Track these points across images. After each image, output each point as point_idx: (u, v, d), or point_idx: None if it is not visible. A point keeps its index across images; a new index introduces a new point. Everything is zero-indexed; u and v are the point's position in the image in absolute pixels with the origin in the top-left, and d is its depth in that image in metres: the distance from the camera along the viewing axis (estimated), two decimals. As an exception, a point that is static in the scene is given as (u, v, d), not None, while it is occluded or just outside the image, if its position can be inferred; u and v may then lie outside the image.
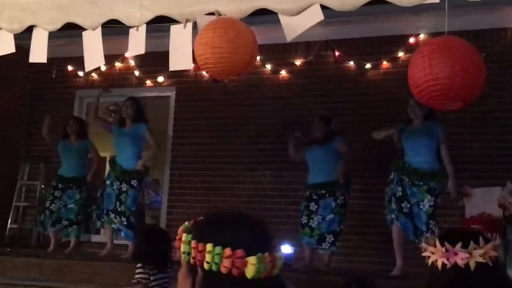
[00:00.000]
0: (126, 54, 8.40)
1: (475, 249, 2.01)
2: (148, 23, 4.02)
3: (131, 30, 4.06)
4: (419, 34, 7.59)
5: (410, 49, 7.60)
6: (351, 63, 7.89)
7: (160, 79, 8.74)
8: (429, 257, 2.10)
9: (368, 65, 7.81)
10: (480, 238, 2.03)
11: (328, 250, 6.74)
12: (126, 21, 3.93)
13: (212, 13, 3.76)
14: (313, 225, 6.72)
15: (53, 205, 7.67)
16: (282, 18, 3.78)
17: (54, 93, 9.17)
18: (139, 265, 4.93)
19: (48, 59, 5.84)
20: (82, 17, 4.06)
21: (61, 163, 7.94)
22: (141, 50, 4.04)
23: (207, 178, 8.27)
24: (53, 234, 7.73)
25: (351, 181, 6.94)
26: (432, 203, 6.16)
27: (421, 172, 6.23)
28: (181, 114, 8.67)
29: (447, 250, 2.02)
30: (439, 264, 2.04)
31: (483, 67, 3.26)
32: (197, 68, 8.27)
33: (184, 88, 8.67)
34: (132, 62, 8.83)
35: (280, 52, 7.93)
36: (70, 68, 9.08)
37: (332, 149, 6.91)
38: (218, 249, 1.46)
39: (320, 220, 6.75)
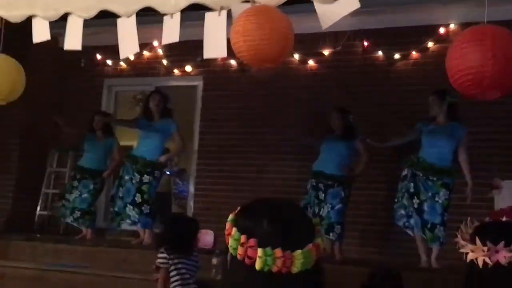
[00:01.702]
0: (160, 43, 8.41)
1: None
2: (182, 11, 4.01)
3: (165, 18, 4.06)
4: (449, 24, 7.50)
5: (440, 39, 7.55)
6: (380, 53, 7.83)
7: (188, 68, 8.74)
8: (467, 253, 2.06)
9: (397, 56, 7.74)
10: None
11: (336, 241, 6.69)
12: (160, 8, 3.94)
13: (247, 1, 3.75)
14: (322, 214, 6.70)
15: (71, 195, 7.78)
16: (318, 6, 3.75)
17: (82, 81, 9.22)
18: (161, 250, 4.99)
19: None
20: (117, 4, 4.07)
21: (82, 155, 8.08)
22: (176, 38, 4.04)
23: (234, 168, 8.28)
24: (83, 227, 7.87)
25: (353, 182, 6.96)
26: (447, 196, 6.16)
27: (436, 169, 6.24)
28: (209, 103, 8.68)
29: (489, 249, 1.99)
30: (480, 262, 2.00)
31: None
32: (225, 57, 8.35)
33: (211, 78, 8.68)
34: (160, 51, 8.85)
35: (308, 42, 7.88)
36: (98, 57, 9.13)
37: (351, 146, 6.91)
38: (237, 234, 1.47)
39: (329, 209, 6.72)
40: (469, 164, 6.26)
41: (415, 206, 6.24)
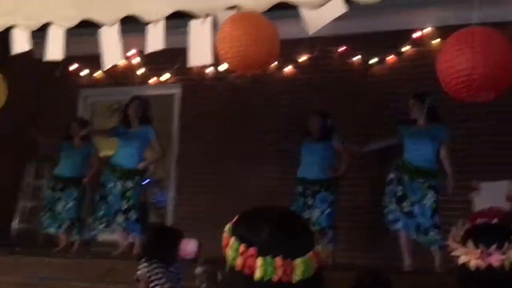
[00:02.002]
0: (137, 51, 8.43)
1: (509, 249, 1.98)
2: (167, 19, 4.00)
3: (149, 26, 4.04)
4: (424, 29, 7.57)
5: (415, 43, 7.63)
6: (357, 58, 7.87)
7: (165, 76, 8.70)
8: (459, 256, 2.07)
9: (373, 60, 7.79)
10: (514, 236, 2.01)
11: (328, 246, 6.70)
12: (144, 16, 3.92)
13: (232, 8, 3.74)
14: (313, 220, 6.70)
15: (56, 206, 7.67)
16: (304, 12, 3.76)
17: (58, 92, 9.14)
18: (141, 261, 4.96)
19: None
20: (99, 13, 4.03)
21: (59, 163, 7.94)
22: (160, 46, 4.03)
23: (214, 176, 8.25)
24: (63, 236, 7.74)
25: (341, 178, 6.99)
26: (435, 199, 6.20)
27: (421, 171, 6.29)
28: (187, 112, 8.65)
29: (481, 252, 1.99)
30: (472, 265, 2.00)
31: (511, 53, 3.19)
32: (202, 65, 8.33)
33: (189, 86, 8.65)
34: (136, 60, 8.80)
35: (285, 48, 7.83)
36: (74, 67, 9.05)
37: (329, 147, 6.96)
38: (235, 244, 1.44)
39: (319, 214, 6.74)
40: (450, 159, 6.33)
41: (405, 210, 6.25)
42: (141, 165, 7.34)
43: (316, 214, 6.73)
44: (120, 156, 7.38)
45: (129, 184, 7.21)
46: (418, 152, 6.35)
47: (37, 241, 8.44)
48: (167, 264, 4.98)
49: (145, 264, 4.94)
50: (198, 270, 5.77)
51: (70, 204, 7.69)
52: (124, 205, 7.16)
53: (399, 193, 6.29)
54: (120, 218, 7.17)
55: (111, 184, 7.28)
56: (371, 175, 7.40)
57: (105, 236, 7.97)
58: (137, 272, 4.93)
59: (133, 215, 7.17)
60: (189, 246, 6.77)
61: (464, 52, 3.09)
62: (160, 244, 5.06)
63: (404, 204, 6.26)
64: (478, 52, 3.04)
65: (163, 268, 4.94)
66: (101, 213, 7.31)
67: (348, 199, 7.40)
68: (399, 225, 6.31)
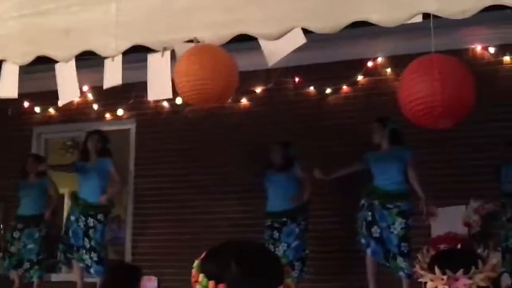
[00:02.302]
0: (90, 88, 8.37)
1: (475, 273, 1.98)
2: (124, 53, 3.96)
3: (106, 61, 3.99)
4: (377, 58, 7.69)
5: (368, 73, 7.73)
6: (311, 88, 7.94)
7: (120, 112, 8.63)
8: (426, 282, 2.07)
9: (328, 90, 7.86)
10: (479, 261, 2.01)
11: (297, 278, 6.69)
12: (101, 51, 3.86)
13: (191, 41, 3.72)
14: (279, 253, 6.66)
15: (12, 247, 7.51)
16: (263, 43, 3.76)
17: (10, 130, 8.98)
18: None
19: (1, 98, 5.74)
20: (54, 50, 3.96)
21: (19, 203, 7.80)
22: (118, 81, 3.97)
23: (172, 210, 8.17)
24: (17, 276, 7.53)
25: (310, 206, 6.97)
26: (403, 226, 6.23)
27: (391, 194, 6.32)
28: (142, 146, 8.58)
29: (448, 277, 1.99)
30: None
31: (470, 80, 3.23)
32: (157, 100, 8.29)
33: (144, 120, 8.60)
34: (90, 96, 8.72)
35: (240, 80, 7.87)
36: (26, 104, 8.92)
37: (292, 175, 6.97)
38: (204, 281, 1.41)
39: (285, 248, 6.73)
40: (418, 180, 6.42)
41: (376, 235, 6.29)
42: (103, 199, 7.20)
43: (282, 248, 6.71)
44: (83, 191, 7.28)
45: (91, 222, 7.08)
46: (384, 175, 6.43)
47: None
48: None
49: None
50: (159, 308, 5.68)
51: (30, 245, 7.52)
52: (88, 244, 7.02)
53: (369, 218, 6.32)
54: (84, 256, 7.01)
55: (74, 217, 7.17)
56: (337, 202, 7.42)
57: (62, 276, 7.81)
58: None
59: (94, 256, 7.02)
60: (149, 284, 6.68)
61: (423, 79, 3.12)
62: (119, 283, 4.96)
63: (373, 230, 6.30)
64: (436, 80, 3.07)
65: None
66: (61, 247, 7.17)
67: (314, 228, 7.39)
68: (368, 250, 6.34)
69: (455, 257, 2.10)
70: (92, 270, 7.07)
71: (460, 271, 1.99)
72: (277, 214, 6.87)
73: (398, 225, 6.23)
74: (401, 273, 6.24)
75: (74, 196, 7.34)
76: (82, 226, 7.07)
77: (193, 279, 1.45)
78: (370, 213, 6.33)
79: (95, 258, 6.99)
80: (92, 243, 7.02)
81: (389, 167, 6.41)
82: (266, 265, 1.47)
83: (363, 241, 6.36)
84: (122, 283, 4.92)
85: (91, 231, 7.04)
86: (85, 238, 7.03)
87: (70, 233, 7.12)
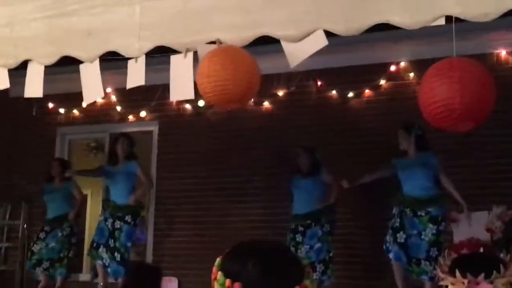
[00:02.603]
0: (113, 89, 8.45)
1: (497, 278, 1.97)
2: (147, 54, 4.00)
3: (129, 62, 4.02)
4: (400, 62, 7.66)
5: (391, 77, 7.70)
6: (334, 92, 7.92)
7: (143, 114, 8.69)
8: (447, 286, 2.06)
9: (350, 94, 7.84)
10: (501, 266, 2.00)
11: (319, 281, 6.67)
12: (124, 52, 3.90)
13: (213, 42, 3.75)
14: (301, 255, 6.66)
15: (35, 245, 7.59)
16: (285, 45, 3.76)
17: (35, 131, 9.09)
18: None
19: (27, 97, 5.80)
20: (78, 50, 4.02)
21: (46, 207, 7.91)
22: (141, 81, 4.01)
23: (193, 212, 8.20)
24: (43, 276, 7.63)
25: (335, 209, 6.96)
26: (434, 231, 6.26)
27: (421, 200, 6.36)
28: (165, 148, 8.62)
29: (469, 282, 1.98)
30: None
31: (490, 84, 3.21)
32: (179, 102, 8.34)
33: (167, 122, 8.64)
34: (113, 98, 8.79)
35: (262, 83, 7.89)
36: (51, 105, 9.01)
37: (318, 181, 6.98)
38: (222, 279, 1.43)
39: (308, 249, 6.73)
40: (453, 185, 6.45)
41: (400, 240, 6.30)
42: (131, 199, 7.28)
43: (304, 250, 6.73)
44: (113, 195, 7.42)
45: (117, 224, 7.18)
46: (413, 182, 6.45)
47: (14, 282, 8.28)
48: None
49: None
50: (179, 308, 5.71)
51: (52, 244, 7.61)
52: (111, 244, 7.09)
53: (396, 225, 6.36)
54: (104, 254, 7.07)
55: (103, 217, 7.35)
56: (362, 206, 7.40)
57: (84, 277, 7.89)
58: None
59: (117, 257, 7.09)
60: (170, 285, 6.71)
61: (442, 82, 3.11)
62: (141, 283, 5.00)
63: (398, 235, 6.31)
64: (455, 82, 3.06)
65: None
66: (106, 264, 7.25)
67: (339, 232, 7.38)
68: (391, 255, 6.34)
69: (476, 261, 2.08)
70: (109, 270, 7.12)
71: (481, 275, 1.98)
72: (302, 216, 6.90)
73: (429, 231, 6.26)
74: (424, 277, 6.23)
75: (106, 200, 7.52)
76: (109, 226, 7.21)
77: (212, 276, 1.46)
78: (399, 219, 6.37)
79: (118, 259, 7.05)
80: (117, 244, 7.11)
81: (417, 173, 6.44)
82: (284, 265, 1.47)
83: (387, 245, 6.37)
84: (143, 282, 4.96)
85: (117, 232, 7.15)
86: (110, 239, 7.12)
87: (96, 230, 7.25)
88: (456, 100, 3.03)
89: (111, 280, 7.34)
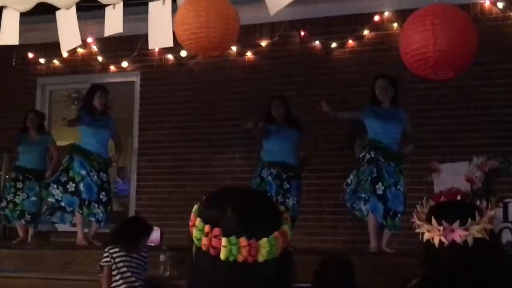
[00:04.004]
0: (94, 39, 8.35)
1: (472, 225, 2.00)
2: (126, 2, 3.93)
3: (107, 8, 3.96)
4: (384, 12, 7.62)
5: (374, 27, 7.67)
6: (317, 42, 7.88)
7: (124, 64, 8.61)
8: (423, 233, 2.08)
9: (334, 44, 7.80)
10: (476, 213, 2.02)
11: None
12: (101, -2, 3.83)
13: (192, -11, 3.69)
14: (288, 206, 6.57)
15: (16, 197, 7.52)
16: None
17: (15, 81, 8.99)
18: (106, 249, 5.07)
19: (7, 47, 5.70)
20: (55, -4, 3.94)
21: (20, 155, 7.78)
22: (119, 29, 3.95)
23: (176, 163, 8.21)
24: (21, 228, 7.60)
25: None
26: (405, 185, 6.22)
27: (395, 154, 6.27)
28: (147, 99, 8.57)
29: (444, 228, 2.01)
30: (436, 241, 2.01)
31: (469, 31, 3.18)
32: (162, 51, 8.27)
33: (149, 73, 8.57)
34: (94, 48, 8.69)
35: (245, 33, 7.83)
36: (30, 55, 8.90)
37: (300, 134, 6.91)
38: (201, 225, 1.42)
39: (294, 202, 6.70)
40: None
41: (379, 192, 6.09)
42: (114, 157, 7.26)
43: (292, 201, 6.66)
44: (93, 144, 7.10)
45: (104, 176, 7.08)
46: (388, 133, 6.29)
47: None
48: (127, 252, 5.04)
49: (106, 253, 5.05)
50: (162, 257, 5.78)
51: (33, 198, 7.56)
52: (104, 197, 7.02)
53: (374, 174, 6.13)
54: (96, 209, 6.96)
55: (85, 171, 6.99)
56: (334, 159, 7.45)
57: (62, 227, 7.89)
58: (101, 263, 5.02)
59: (107, 209, 7.06)
60: (153, 234, 6.77)
61: (417, 30, 3.09)
62: (126, 233, 5.15)
63: (377, 186, 6.10)
64: (428, 30, 3.02)
65: (124, 256, 5.00)
66: (63, 202, 7.02)
67: (311, 183, 7.43)
68: (368, 206, 6.17)
69: (452, 208, 2.10)
70: (102, 224, 7.06)
71: (456, 223, 2.00)
72: (288, 166, 6.77)
73: (403, 182, 6.21)
74: (392, 231, 6.23)
75: (81, 150, 7.10)
76: (97, 180, 6.99)
77: (190, 223, 1.46)
78: (375, 168, 6.14)
79: (107, 211, 7.02)
80: (109, 195, 7.07)
81: (393, 126, 6.30)
82: (262, 211, 1.47)
83: (362, 194, 6.20)
84: (127, 234, 5.09)
85: (106, 184, 7.07)
86: (102, 192, 7.01)
87: (82, 187, 6.94)
88: (429, 48, 3.01)
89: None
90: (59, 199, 6.99)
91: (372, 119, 6.34)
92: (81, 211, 6.91)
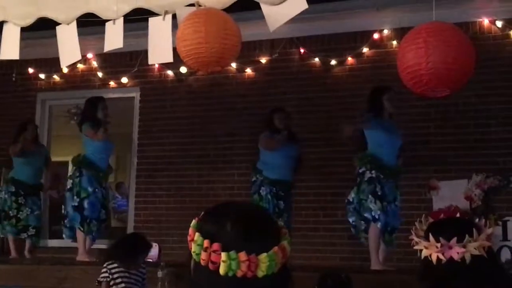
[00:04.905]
0: (94, 55, 8.38)
1: (470, 242, 2.00)
2: (126, 18, 3.95)
3: (107, 24, 3.97)
4: (383, 30, 7.65)
5: (374, 45, 7.69)
6: (316, 59, 7.90)
7: (124, 80, 8.62)
8: (421, 250, 2.08)
9: (333, 62, 7.83)
10: (474, 230, 2.02)
11: None
12: (102, 14, 3.85)
13: (192, 4, 3.70)
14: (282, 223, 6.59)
15: (20, 213, 7.44)
16: (265, 8, 3.74)
17: (15, 96, 9.01)
18: (104, 264, 5.06)
19: (7, 61, 5.72)
20: (56, 11, 3.95)
21: (17, 168, 7.62)
22: (119, 44, 3.97)
23: (174, 179, 8.20)
24: (14, 241, 7.50)
25: None
26: (400, 200, 6.18)
27: (395, 170, 6.15)
28: (146, 115, 8.58)
29: (442, 245, 2.01)
30: (434, 258, 2.01)
31: (464, 48, 3.18)
32: (161, 68, 8.30)
33: (148, 89, 8.59)
34: (94, 64, 8.71)
35: (245, 50, 7.84)
36: (31, 70, 8.92)
37: (295, 149, 6.91)
38: (200, 239, 1.42)
39: (286, 219, 6.67)
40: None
41: (384, 209, 5.95)
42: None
43: (284, 218, 6.60)
44: (103, 160, 7.07)
45: (104, 190, 7.05)
46: (392, 149, 6.13)
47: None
48: (126, 267, 5.02)
49: (105, 268, 5.03)
50: (160, 273, 5.76)
51: (37, 212, 7.56)
52: (103, 215, 6.96)
53: (379, 192, 5.98)
54: (94, 227, 6.84)
55: (92, 188, 6.87)
56: (331, 177, 7.45)
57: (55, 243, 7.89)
58: (100, 276, 4.99)
59: (104, 225, 7.04)
60: (151, 251, 6.74)
61: (410, 49, 3.11)
62: (125, 249, 5.13)
63: (384, 203, 5.97)
64: (421, 48, 3.04)
65: (122, 272, 4.98)
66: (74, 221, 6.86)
67: (309, 199, 7.43)
68: (379, 224, 5.96)
69: (449, 225, 2.10)
70: (95, 241, 7.02)
71: (454, 239, 2.00)
72: (286, 184, 6.79)
73: (399, 199, 6.16)
74: (389, 247, 6.14)
75: (94, 165, 6.94)
76: (100, 197, 6.91)
77: (189, 238, 1.46)
78: (379, 186, 5.99)
79: (101, 228, 6.95)
80: (106, 215, 7.03)
81: (397, 140, 6.18)
82: (262, 226, 1.47)
83: (373, 214, 5.95)
84: (127, 249, 5.07)
85: (106, 201, 7.05)
86: (102, 210, 6.92)
87: (86, 205, 6.79)
88: (422, 66, 3.02)
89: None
90: (94, 235, 6.92)
91: (377, 130, 6.15)
92: (82, 228, 6.80)
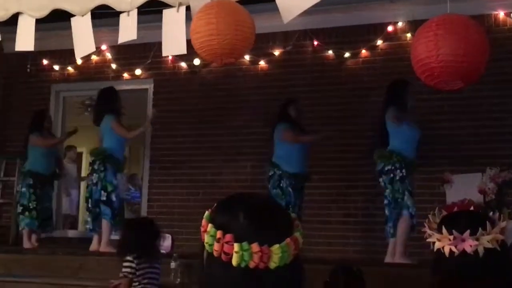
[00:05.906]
0: (108, 46, 8.41)
1: (483, 235, 1.99)
2: (140, 10, 3.95)
3: (121, 15, 3.98)
4: (397, 22, 7.61)
5: (388, 37, 7.66)
6: (330, 52, 7.88)
7: (138, 71, 8.64)
8: (434, 242, 2.07)
9: (347, 54, 7.80)
10: (487, 223, 2.01)
11: None
12: (116, 6, 3.86)
13: (206, -4, 3.70)
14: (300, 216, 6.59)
15: (39, 206, 7.47)
16: (279, 0, 3.72)
17: (29, 87, 9.05)
18: (127, 258, 4.88)
19: (22, 53, 5.74)
20: (70, 3, 3.97)
21: (33, 159, 7.60)
22: (133, 36, 3.97)
23: (187, 171, 8.22)
24: (29, 233, 7.53)
25: None
26: None
27: (416, 164, 6.21)
28: (160, 106, 8.56)
29: (455, 238, 2.00)
30: (446, 251, 2.01)
31: (477, 40, 3.14)
32: (174, 60, 8.31)
33: (162, 80, 8.60)
34: (108, 55, 8.74)
35: (258, 42, 7.83)
36: (45, 62, 8.97)
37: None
38: (212, 230, 1.42)
39: (297, 210, 6.70)
40: None
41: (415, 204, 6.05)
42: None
43: (296, 209, 6.62)
44: (122, 153, 7.29)
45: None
46: (415, 143, 6.15)
47: (8, 239, 8.31)
48: (152, 257, 4.92)
49: (128, 263, 4.86)
50: (173, 264, 5.77)
51: (47, 204, 7.64)
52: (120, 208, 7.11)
53: (413, 190, 6.08)
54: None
55: (115, 182, 7.09)
56: (344, 170, 7.44)
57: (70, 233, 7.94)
58: (123, 270, 4.84)
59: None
60: (164, 241, 6.76)
61: (421, 42, 3.09)
62: (139, 238, 4.97)
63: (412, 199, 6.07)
64: (431, 41, 3.01)
65: (147, 268, 4.88)
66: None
67: (322, 192, 7.42)
68: (414, 220, 6.03)
69: (463, 218, 2.09)
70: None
71: (467, 232, 1.99)
72: (305, 177, 6.84)
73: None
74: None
75: (117, 160, 7.12)
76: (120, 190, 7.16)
77: (202, 229, 1.46)
78: (410, 184, 6.08)
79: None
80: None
81: (418, 135, 6.20)
82: (274, 218, 1.47)
83: (410, 210, 6.00)
84: (140, 236, 4.95)
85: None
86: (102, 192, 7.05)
87: (114, 198, 7.00)
88: (432, 59, 3.00)
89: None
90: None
91: (405, 126, 6.15)
92: (113, 222, 6.95)
